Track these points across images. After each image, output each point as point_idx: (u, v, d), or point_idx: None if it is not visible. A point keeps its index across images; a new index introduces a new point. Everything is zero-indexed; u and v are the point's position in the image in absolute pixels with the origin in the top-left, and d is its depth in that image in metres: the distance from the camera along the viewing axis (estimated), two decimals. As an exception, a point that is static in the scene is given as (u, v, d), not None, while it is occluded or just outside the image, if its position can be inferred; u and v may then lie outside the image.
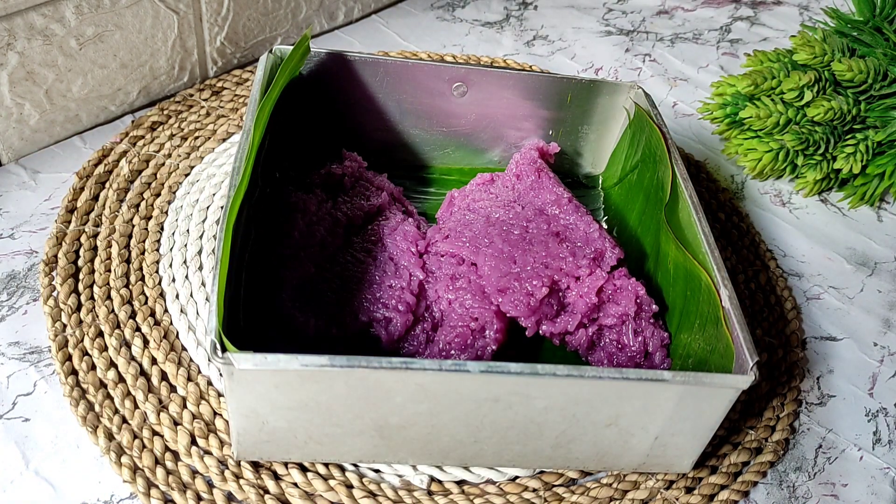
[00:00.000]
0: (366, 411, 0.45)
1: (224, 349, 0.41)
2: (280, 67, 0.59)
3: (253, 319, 0.53)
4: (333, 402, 0.44)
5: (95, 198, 0.67)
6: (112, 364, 0.56)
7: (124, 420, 0.53)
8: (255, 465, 0.52)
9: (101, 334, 0.58)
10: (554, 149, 0.69)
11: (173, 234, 0.66)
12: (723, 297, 0.50)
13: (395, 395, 0.44)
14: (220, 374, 0.55)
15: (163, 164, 0.71)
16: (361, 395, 0.44)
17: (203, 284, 0.62)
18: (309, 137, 0.68)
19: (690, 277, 0.55)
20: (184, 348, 0.58)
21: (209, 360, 0.51)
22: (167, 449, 0.52)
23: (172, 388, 0.56)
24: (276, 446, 0.49)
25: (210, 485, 0.51)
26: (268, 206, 0.59)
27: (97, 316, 0.59)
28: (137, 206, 0.67)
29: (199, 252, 0.65)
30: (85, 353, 0.56)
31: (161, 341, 0.58)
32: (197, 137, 0.75)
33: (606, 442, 0.49)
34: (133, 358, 0.57)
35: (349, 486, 0.52)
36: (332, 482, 0.52)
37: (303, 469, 0.52)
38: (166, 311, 0.60)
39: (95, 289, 0.60)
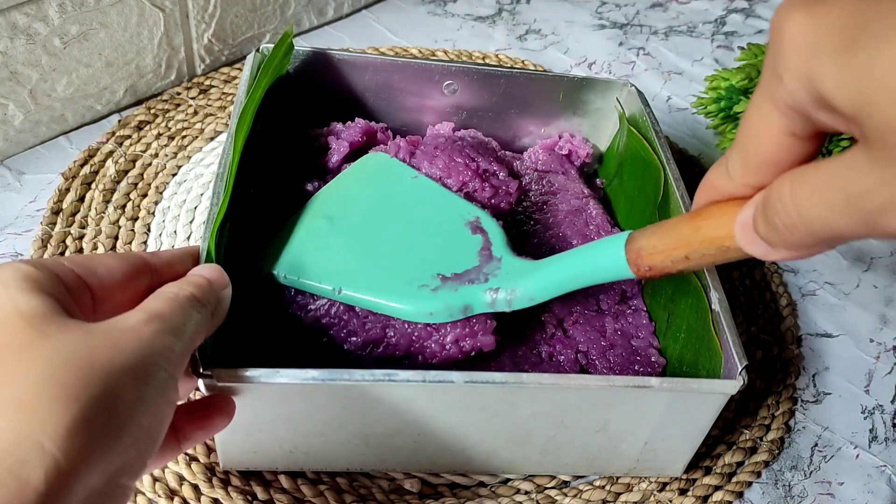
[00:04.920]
0: (350, 422, 0.45)
1: (205, 364, 0.41)
2: (262, 65, 0.58)
3: (238, 323, 0.52)
4: (317, 413, 0.44)
5: (81, 199, 0.67)
6: (98, 370, 0.55)
7: (110, 427, 0.53)
8: (244, 472, 0.51)
9: (86, 339, 0.57)
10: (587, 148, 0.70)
11: (160, 235, 0.65)
12: (712, 300, 0.49)
13: (379, 406, 0.44)
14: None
15: (150, 164, 0.70)
16: (346, 406, 0.44)
17: (190, 287, 0.61)
18: (297, 136, 0.67)
19: (681, 279, 0.54)
20: (171, 353, 0.57)
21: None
22: (154, 456, 0.52)
23: (159, 394, 0.55)
24: (261, 457, 0.48)
25: (197, 491, 0.50)
26: (255, 208, 0.58)
27: (83, 320, 0.58)
28: (124, 207, 0.67)
29: (187, 254, 0.64)
30: (70, 358, 0.56)
31: (147, 346, 0.57)
32: (184, 136, 0.74)
33: (596, 447, 0.49)
34: (119, 363, 0.56)
35: (339, 492, 0.51)
36: (321, 487, 0.51)
37: (292, 474, 0.51)
38: (153, 314, 0.59)
39: (81, 293, 0.60)
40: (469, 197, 0.57)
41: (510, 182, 0.59)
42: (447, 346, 0.50)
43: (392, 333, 0.50)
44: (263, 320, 0.52)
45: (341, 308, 0.50)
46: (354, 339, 0.50)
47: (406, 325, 0.50)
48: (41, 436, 0.27)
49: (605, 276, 0.45)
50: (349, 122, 0.66)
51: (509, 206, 0.59)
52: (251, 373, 0.41)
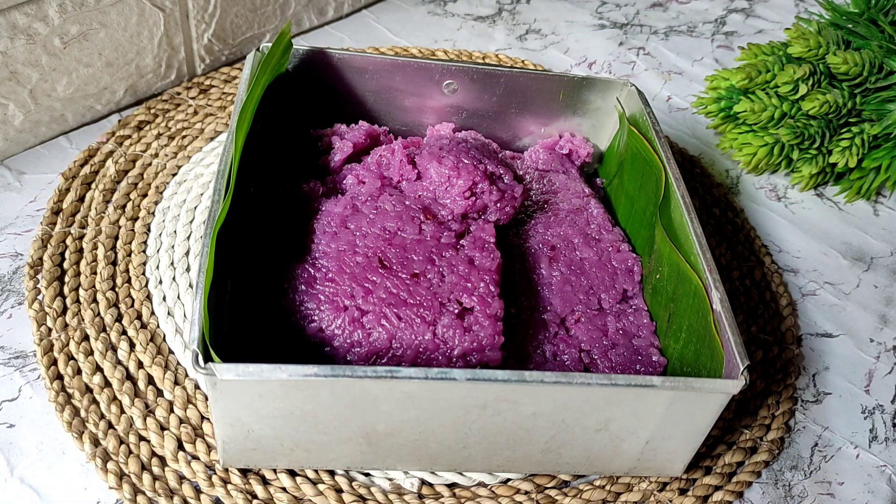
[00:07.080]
0: (352, 419, 0.45)
1: (206, 359, 0.41)
2: (261, 63, 0.58)
3: (240, 324, 0.52)
4: (319, 410, 0.44)
5: (81, 199, 0.66)
6: (98, 368, 0.55)
7: (110, 425, 0.52)
8: (243, 470, 0.51)
9: (86, 338, 0.57)
10: (588, 147, 0.69)
11: (160, 235, 0.65)
12: (713, 300, 0.49)
13: (381, 403, 0.44)
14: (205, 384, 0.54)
15: (150, 164, 0.70)
16: (347, 404, 0.44)
17: (190, 286, 0.61)
18: (298, 135, 0.67)
19: (682, 279, 0.54)
20: (171, 351, 0.57)
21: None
22: (154, 454, 0.52)
23: (159, 393, 0.55)
24: (262, 454, 0.48)
25: (197, 490, 0.50)
26: (255, 207, 0.58)
27: (83, 319, 0.58)
28: (124, 206, 0.67)
29: (187, 253, 0.64)
30: (70, 357, 0.56)
31: (148, 344, 0.57)
32: (184, 136, 0.74)
33: (597, 447, 0.49)
34: (119, 362, 0.56)
35: (338, 491, 0.51)
36: (321, 486, 0.51)
37: (291, 473, 0.51)
38: (153, 313, 0.59)
39: (81, 292, 0.60)
40: (477, 199, 0.57)
41: (515, 186, 0.59)
42: (454, 360, 0.49)
43: (398, 345, 0.50)
44: (264, 331, 0.51)
45: (346, 319, 0.50)
46: (359, 349, 0.50)
47: (413, 337, 0.50)
48: None
49: None
50: (353, 125, 0.66)
51: (514, 211, 0.59)
52: (253, 368, 0.41)
